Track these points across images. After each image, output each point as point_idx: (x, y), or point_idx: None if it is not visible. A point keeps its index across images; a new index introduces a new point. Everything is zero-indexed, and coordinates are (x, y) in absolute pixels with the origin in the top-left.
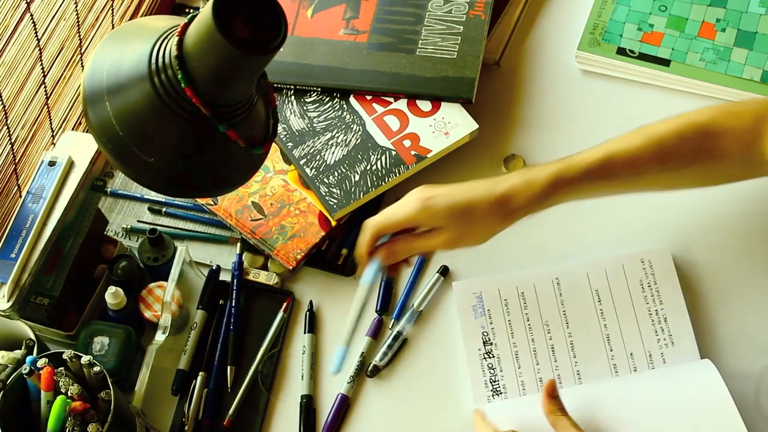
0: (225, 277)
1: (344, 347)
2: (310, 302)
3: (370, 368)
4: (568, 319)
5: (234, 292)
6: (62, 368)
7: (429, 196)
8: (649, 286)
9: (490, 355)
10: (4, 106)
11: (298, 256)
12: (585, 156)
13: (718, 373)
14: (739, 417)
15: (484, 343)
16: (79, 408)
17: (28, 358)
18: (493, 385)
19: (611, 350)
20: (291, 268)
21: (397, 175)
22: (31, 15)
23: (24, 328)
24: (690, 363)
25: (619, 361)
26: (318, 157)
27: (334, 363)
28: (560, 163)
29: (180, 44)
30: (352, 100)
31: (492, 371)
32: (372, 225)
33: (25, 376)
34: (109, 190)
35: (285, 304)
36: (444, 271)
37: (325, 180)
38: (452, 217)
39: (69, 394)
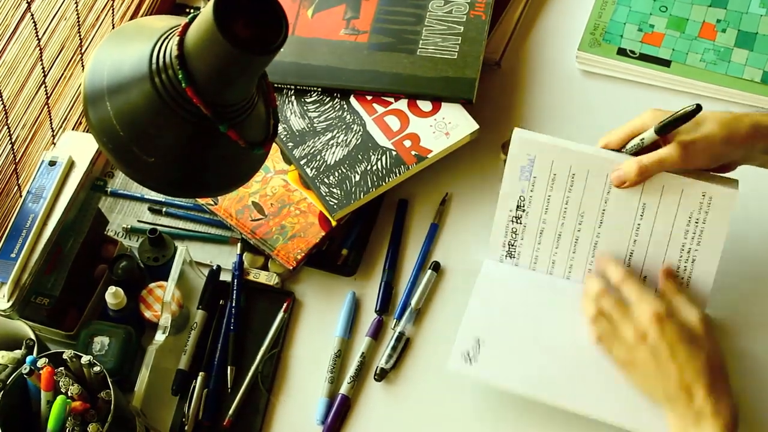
0: (225, 277)
1: (326, 399)
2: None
3: (377, 372)
4: (604, 219)
5: (234, 292)
6: (62, 368)
7: (689, 141)
8: (696, 222)
9: (518, 221)
10: (5, 106)
11: (299, 256)
12: None
13: None
14: None
15: (517, 206)
16: (79, 408)
17: (28, 358)
18: (509, 248)
19: (629, 265)
20: (291, 268)
21: (398, 175)
22: (32, 15)
23: (24, 328)
24: None
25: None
26: (318, 157)
27: (318, 412)
28: (756, 115)
29: (181, 44)
30: (352, 100)
31: (514, 235)
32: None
33: (25, 375)
34: (109, 189)
35: (285, 304)
36: (436, 267)
37: (326, 180)
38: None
39: (69, 394)
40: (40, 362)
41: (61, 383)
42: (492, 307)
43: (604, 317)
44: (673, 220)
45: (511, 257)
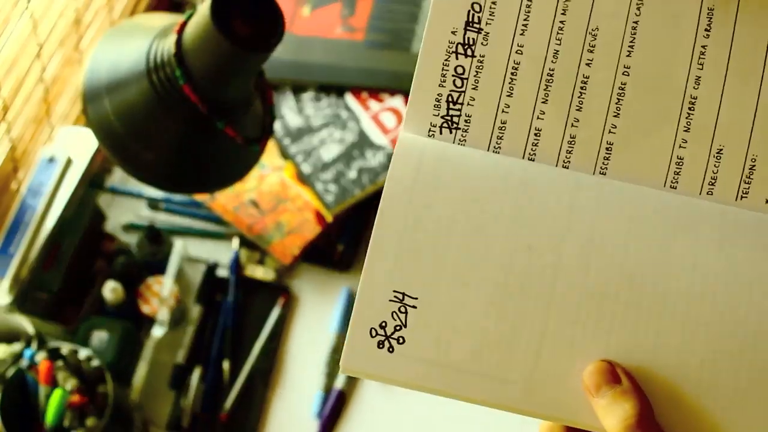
0: (222, 272)
1: (322, 393)
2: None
3: None
4: (637, 41)
5: (231, 287)
6: (61, 362)
7: None
8: None
9: (468, 50)
10: (4, 103)
11: (295, 252)
12: None
13: None
14: None
15: (468, 22)
16: (77, 401)
17: (27, 352)
18: (449, 109)
19: (686, 129)
20: (287, 263)
21: None
22: (31, 12)
23: (23, 323)
24: None
25: (690, 155)
26: (314, 153)
27: (315, 406)
28: None
29: (178, 42)
30: (348, 97)
31: (459, 80)
32: None
33: (23, 370)
34: (107, 186)
35: (281, 299)
36: None
37: (322, 177)
38: None
39: (67, 388)
40: (39, 356)
41: (59, 377)
42: (422, 233)
43: None
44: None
45: (452, 127)
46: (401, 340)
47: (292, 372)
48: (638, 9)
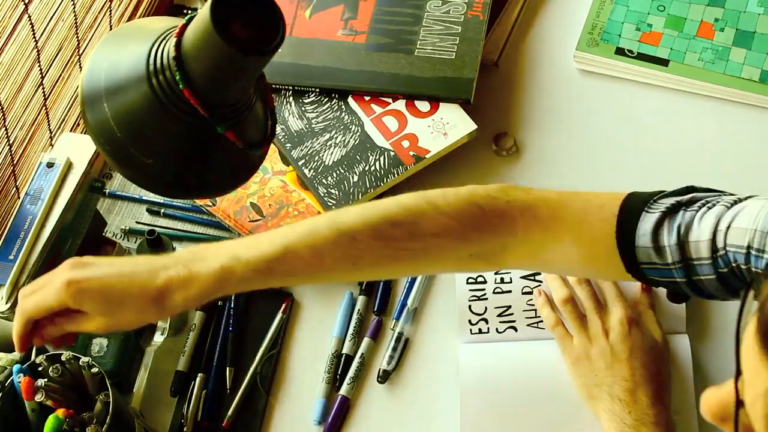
0: None
1: (323, 400)
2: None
3: (380, 374)
4: None
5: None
6: (46, 379)
7: (79, 280)
8: None
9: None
10: (2, 108)
11: None
12: (259, 251)
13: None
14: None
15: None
16: (64, 415)
17: (15, 367)
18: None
19: None
20: None
21: (396, 175)
22: (29, 16)
23: None
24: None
25: None
26: (316, 157)
27: (316, 413)
28: (230, 258)
29: (178, 45)
30: (350, 100)
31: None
32: (24, 312)
33: (18, 381)
34: (107, 191)
35: (284, 305)
36: None
37: (324, 181)
38: (102, 307)
39: (51, 402)
40: (18, 375)
41: (39, 394)
42: None
43: (572, 304)
44: None
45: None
46: None
47: (295, 378)
48: None
